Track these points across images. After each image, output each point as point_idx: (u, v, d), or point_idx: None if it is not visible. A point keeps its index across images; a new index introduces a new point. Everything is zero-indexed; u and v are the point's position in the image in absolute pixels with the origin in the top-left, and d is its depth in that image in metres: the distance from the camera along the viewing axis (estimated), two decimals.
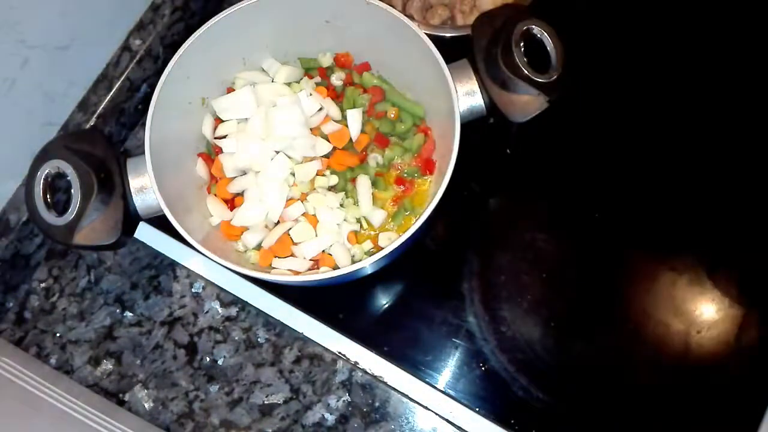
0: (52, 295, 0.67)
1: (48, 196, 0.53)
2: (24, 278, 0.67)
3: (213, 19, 0.56)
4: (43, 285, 0.67)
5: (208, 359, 0.63)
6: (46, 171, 0.53)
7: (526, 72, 0.52)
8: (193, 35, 0.56)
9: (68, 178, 0.52)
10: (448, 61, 0.54)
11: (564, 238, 0.66)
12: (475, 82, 0.55)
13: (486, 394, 0.60)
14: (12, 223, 0.63)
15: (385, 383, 0.61)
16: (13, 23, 0.56)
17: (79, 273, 0.67)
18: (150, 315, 0.65)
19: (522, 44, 0.52)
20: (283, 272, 0.57)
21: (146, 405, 0.62)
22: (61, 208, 0.53)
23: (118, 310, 0.66)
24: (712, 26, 0.72)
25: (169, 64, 0.55)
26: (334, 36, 0.62)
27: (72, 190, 0.52)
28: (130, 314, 0.65)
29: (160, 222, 0.54)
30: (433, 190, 0.60)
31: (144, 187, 0.55)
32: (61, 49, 0.62)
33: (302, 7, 0.59)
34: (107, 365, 0.64)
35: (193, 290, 0.66)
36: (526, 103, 0.53)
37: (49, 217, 0.52)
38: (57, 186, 0.58)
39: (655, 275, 0.64)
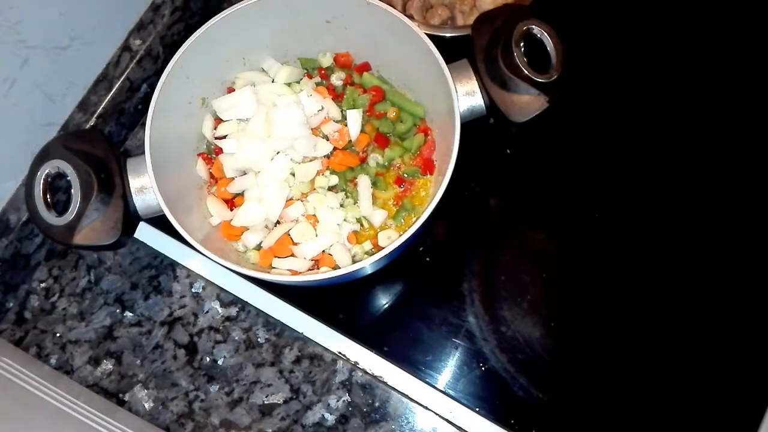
0: (52, 295, 0.67)
1: (48, 196, 0.53)
2: (24, 278, 0.67)
3: (213, 19, 0.56)
4: (43, 285, 0.67)
5: (208, 359, 0.63)
6: (46, 171, 0.53)
7: (526, 72, 0.52)
8: (193, 35, 0.56)
9: (68, 178, 0.52)
10: (448, 61, 0.54)
11: (564, 238, 0.66)
12: (475, 82, 0.55)
13: (486, 394, 0.60)
14: (12, 223, 0.63)
15: (385, 383, 0.61)
16: (13, 23, 0.56)
17: (79, 273, 0.67)
18: (150, 315, 0.65)
19: (522, 44, 0.52)
20: (283, 272, 0.57)
21: (146, 405, 0.62)
22: (61, 208, 0.53)
23: (118, 310, 0.66)
24: (713, 25, 0.72)
25: (169, 64, 0.55)
26: (334, 36, 0.62)
27: (72, 190, 0.52)
28: (130, 314, 0.65)
29: (160, 222, 0.54)
30: (433, 190, 0.60)
31: (144, 187, 0.55)
32: (61, 49, 0.62)
33: (302, 7, 0.59)
34: (107, 365, 0.64)
35: (193, 290, 0.66)
36: (526, 103, 0.54)
37: (49, 217, 0.52)
38: (57, 186, 0.58)
39: (655, 274, 0.64)
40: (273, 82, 0.63)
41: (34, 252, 0.67)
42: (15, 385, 0.56)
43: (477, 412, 0.59)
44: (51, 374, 0.63)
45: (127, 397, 0.63)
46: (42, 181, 0.52)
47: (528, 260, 0.65)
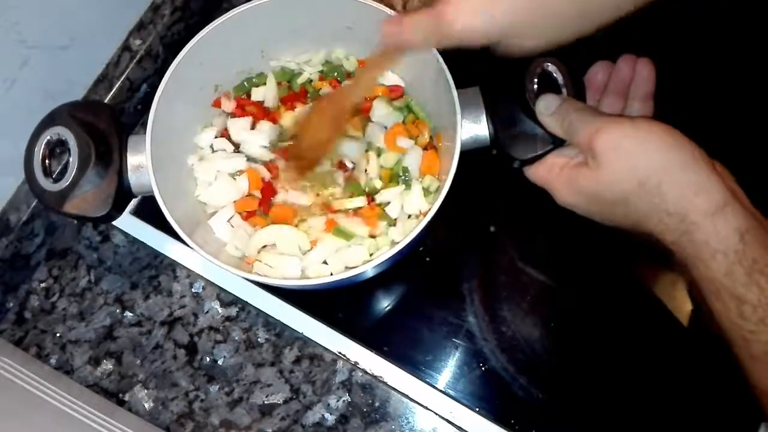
0: (52, 295, 0.67)
1: (47, 162, 0.53)
2: (24, 278, 0.67)
3: (233, 10, 0.55)
4: (43, 285, 0.67)
5: (208, 359, 0.63)
6: (48, 137, 0.53)
7: (535, 110, 0.50)
8: (210, 24, 0.55)
9: (68, 146, 0.52)
10: (459, 86, 0.53)
11: (564, 237, 0.66)
12: (483, 111, 0.53)
13: (486, 394, 0.60)
14: (12, 223, 0.63)
15: (385, 383, 0.61)
16: (13, 23, 0.56)
17: (79, 273, 0.67)
18: (150, 315, 0.65)
19: (536, 80, 0.51)
20: (267, 271, 0.56)
21: (146, 405, 0.62)
22: (58, 177, 0.53)
23: (118, 310, 0.66)
24: (713, 32, 0.72)
25: (183, 50, 0.54)
26: (354, 42, 0.61)
27: (70, 159, 0.52)
28: (130, 314, 0.65)
29: (161, 222, 0.53)
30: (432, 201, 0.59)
31: (141, 166, 0.54)
32: (61, 49, 0.62)
33: (322, 10, 0.58)
34: (107, 365, 0.64)
35: (193, 290, 0.66)
36: (531, 141, 0.51)
37: (45, 182, 0.52)
38: (57, 154, 0.58)
39: (656, 275, 0.64)
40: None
41: (34, 252, 0.67)
42: (15, 385, 0.56)
43: (477, 412, 0.60)
44: (51, 374, 0.63)
45: (127, 397, 0.63)
46: (43, 145, 0.53)
47: (528, 260, 0.65)
